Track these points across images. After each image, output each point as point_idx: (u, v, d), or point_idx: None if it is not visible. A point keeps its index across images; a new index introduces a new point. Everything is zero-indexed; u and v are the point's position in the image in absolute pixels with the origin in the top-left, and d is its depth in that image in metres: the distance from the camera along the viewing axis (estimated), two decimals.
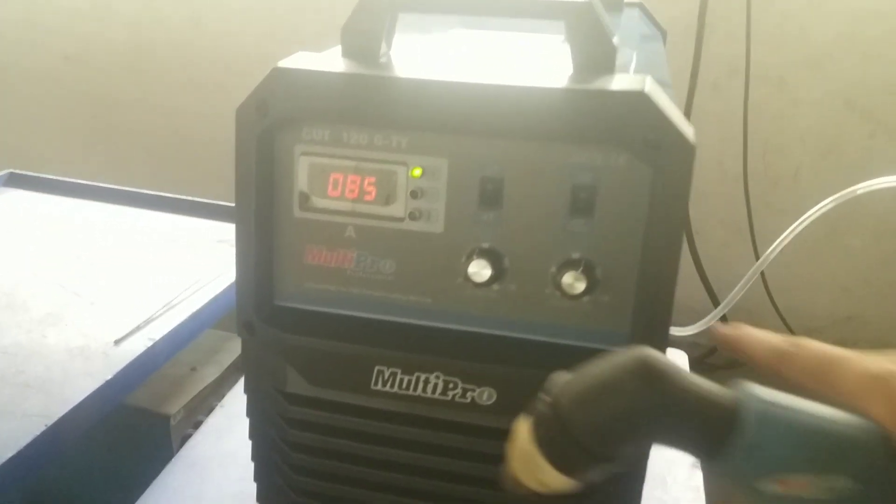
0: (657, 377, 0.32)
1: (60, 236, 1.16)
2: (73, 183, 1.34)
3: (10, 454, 0.70)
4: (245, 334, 0.55)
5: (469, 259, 0.51)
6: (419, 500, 0.55)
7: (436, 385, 0.52)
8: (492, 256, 0.51)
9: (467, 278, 0.51)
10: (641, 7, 0.96)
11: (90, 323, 0.92)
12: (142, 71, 2.00)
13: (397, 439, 0.54)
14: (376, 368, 0.52)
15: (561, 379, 0.35)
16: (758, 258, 1.68)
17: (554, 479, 0.33)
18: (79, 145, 2.11)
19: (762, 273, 1.65)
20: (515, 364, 0.51)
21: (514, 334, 0.52)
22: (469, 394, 0.51)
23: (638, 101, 0.45)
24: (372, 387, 0.53)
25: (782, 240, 0.81)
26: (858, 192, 0.80)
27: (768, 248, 1.70)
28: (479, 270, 0.50)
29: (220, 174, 1.94)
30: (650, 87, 0.46)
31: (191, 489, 0.78)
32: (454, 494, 0.54)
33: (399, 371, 0.52)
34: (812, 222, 0.77)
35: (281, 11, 1.86)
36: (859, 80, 1.66)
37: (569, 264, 0.50)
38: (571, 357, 0.51)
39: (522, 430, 0.35)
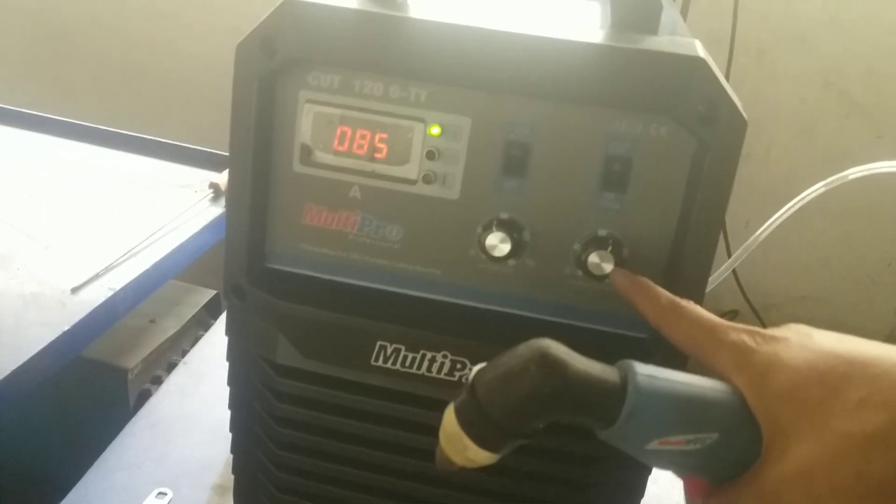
0: (554, 363, 0.36)
1: (10, 171, 1.08)
2: (24, 113, 1.24)
3: None
4: (234, 299, 0.49)
5: (486, 230, 0.46)
6: (414, 482, 0.52)
7: (442, 364, 0.48)
8: (511, 228, 0.46)
9: (482, 250, 0.47)
10: None
11: (45, 268, 0.85)
12: None
13: (396, 419, 0.49)
14: (378, 343, 0.48)
15: (477, 368, 0.39)
16: (726, 233, 1.68)
17: (478, 455, 0.38)
18: (30, 75, 1.98)
19: (728, 247, 1.65)
20: None
21: (530, 314, 0.48)
22: None
23: (695, 68, 0.41)
24: (372, 362, 0.48)
25: (764, 229, 0.77)
26: (850, 177, 0.77)
27: (733, 221, 1.67)
28: (498, 244, 0.46)
29: (179, 110, 1.86)
30: (704, 52, 0.42)
31: (153, 451, 0.73)
32: (452, 478, 0.50)
33: (403, 347, 0.48)
34: (780, 200, 0.74)
35: None
36: (839, 60, 1.65)
37: (595, 242, 0.46)
38: (591, 341, 0.47)
39: (449, 414, 0.39)
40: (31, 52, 1.97)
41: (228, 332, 0.51)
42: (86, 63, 1.94)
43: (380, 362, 0.48)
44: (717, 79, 0.41)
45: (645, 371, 0.37)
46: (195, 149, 1.19)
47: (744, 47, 1.65)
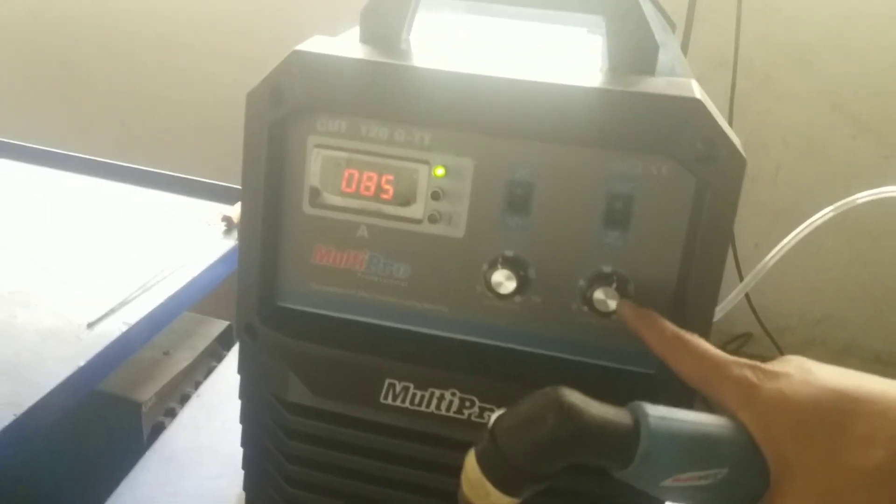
0: (570, 409, 0.37)
1: (27, 207, 1.10)
2: (41, 150, 1.27)
3: None
4: (246, 338, 0.50)
5: (492, 267, 0.47)
6: None
7: (451, 402, 0.48)
8: (516, 266, 0.47)
9: (488, 287, 0.48)
10: None
11: (62, 303, 0.86)
12: (110, 30, 1.92)
13: (405, 457, 0.50)
14: (387, 381, 0.49)
15: (496, 415, 0.40)
16: (736, 257, 1.68)
17: (500, 500, 0.38)
18: (43, 107, 2.02)
19: (739, 270, 1.65)
20: (537, 383, 0.47)
21: (537, 350, 0.49)
22: (487, 413, 0.47)
23: (692, 109, 0.42)
24: (381, 400, 0.49)
25: (774, 254, 0.77)
26: (858, 201, 0.77)
27: (743, 244, 1.66)
28: (504, 281, 0.47)
29: (192, 144, 1.89)
30: (700, 93, 0.43)
31: (168, 484, 0.73)
32: None
33: (412, 385, 0.48)
34: (789, 222, 0.74)
35: None
36: (844, 80, 1.66)
37: (600, 278, 0.47)
38: (597, 377, 0.48)
39: (470, 461, 0.39)
40: (44, 85, 2.01)
41: (241, 370, 0.52)
42: (99, 95, 1.97)
43: (389, 400, 0.49)
44: (713, 118, 0.42)
45: (656, 413, 0.38)
46: (207, 182, 1.21)
47: (749, 71, 1.66)
